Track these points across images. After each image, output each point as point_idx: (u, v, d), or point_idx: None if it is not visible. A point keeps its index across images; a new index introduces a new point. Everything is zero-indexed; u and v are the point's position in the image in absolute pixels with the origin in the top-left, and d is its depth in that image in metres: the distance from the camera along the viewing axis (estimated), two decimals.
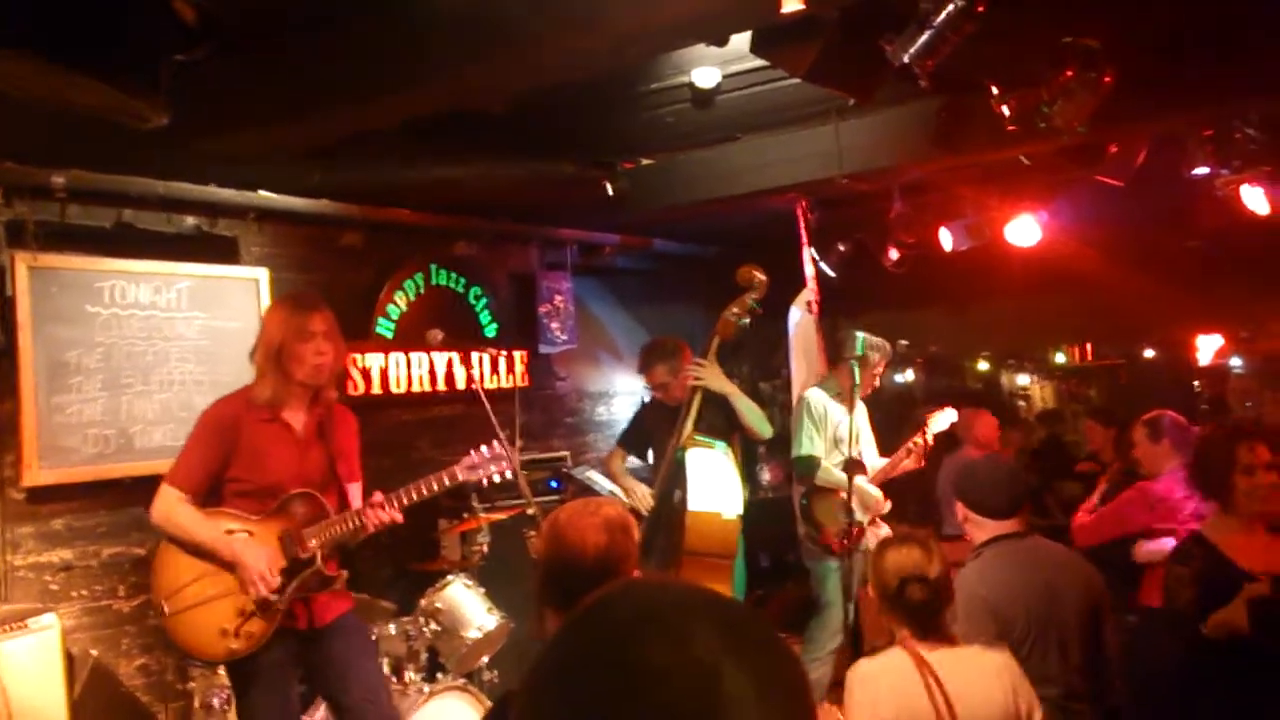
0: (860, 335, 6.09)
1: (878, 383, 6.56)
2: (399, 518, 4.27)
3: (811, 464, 6.20)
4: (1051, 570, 3.74)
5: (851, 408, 5.88)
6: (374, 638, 4.98)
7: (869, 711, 3.02)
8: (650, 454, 6.08)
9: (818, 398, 6.34)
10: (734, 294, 5.48)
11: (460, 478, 4.43)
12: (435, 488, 4.35)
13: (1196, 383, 8.74)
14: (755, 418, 5.68)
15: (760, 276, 5.46)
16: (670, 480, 5.41)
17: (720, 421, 5.59)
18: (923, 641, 3.09)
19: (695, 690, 0.91)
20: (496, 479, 4.60)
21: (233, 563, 4.08)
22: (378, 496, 4.23)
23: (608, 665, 0.95)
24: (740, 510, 5.25)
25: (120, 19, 2.64)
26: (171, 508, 4.11)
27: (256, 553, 4.09)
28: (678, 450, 5.37)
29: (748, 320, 5.52)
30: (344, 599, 4.44)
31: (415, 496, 4.30)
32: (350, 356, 6.00)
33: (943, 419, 6.50)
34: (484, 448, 4.54)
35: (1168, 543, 4.66)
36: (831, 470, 6.13)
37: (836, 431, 6.23)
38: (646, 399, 6.48)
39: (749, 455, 9.01)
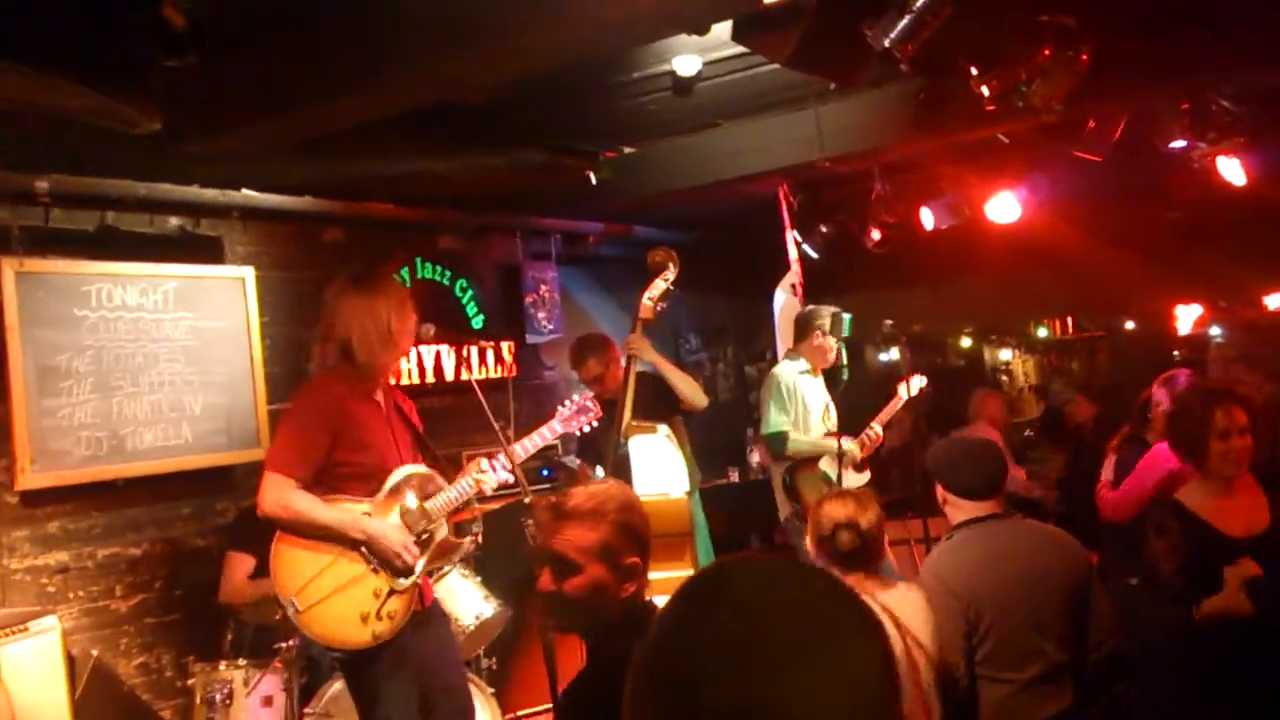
0: (846, 316, 6.15)
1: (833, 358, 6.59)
2: (509, 478, 4.34)
3: (780, 439, 6.18)
4: (1029, 551, 3.58)
5: (827, 381, 5.95)
6: None
7: None
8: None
9: (789, 373, 6.35)
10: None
11: (560, 430, 4.62)
12: (539, 443, 4.49)
13: (1176, 352, 8.79)
14: (687, 387, 5.77)
15: (672, 258, 5.57)
16: (618, 472, 5.39)
17: (657, 405, 5.64)
18: (872, 585, 3.31)
19: (785, 619, 1.07)
20: (587, 429, 4.81)
21: (365, 540, 3.98)
22: (483, 463, 4.29)
23: (706, 598, 1.13)
24: (688, 487, 5.31)
25: (110, 26, 2.65)
26: (286, 495, 3.91)
27: (389, 525, 4.05)
28: (620, 441, 5.40)
29: (665, 303, 5.64)
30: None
31: (523, 454, 4.43)
32: None
33: (913, 385, 6.54)
34: (569, 401, 4.72)
35: None
36: (800, 440, 6.16)
37: (807, 404, 6.27)
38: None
39: (735, 436, 9.09)
